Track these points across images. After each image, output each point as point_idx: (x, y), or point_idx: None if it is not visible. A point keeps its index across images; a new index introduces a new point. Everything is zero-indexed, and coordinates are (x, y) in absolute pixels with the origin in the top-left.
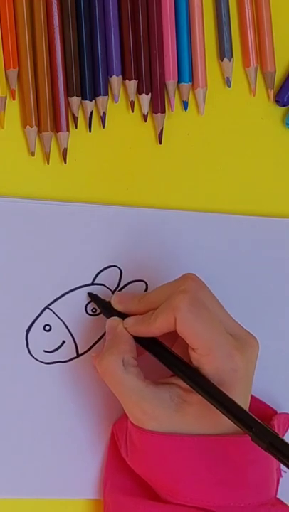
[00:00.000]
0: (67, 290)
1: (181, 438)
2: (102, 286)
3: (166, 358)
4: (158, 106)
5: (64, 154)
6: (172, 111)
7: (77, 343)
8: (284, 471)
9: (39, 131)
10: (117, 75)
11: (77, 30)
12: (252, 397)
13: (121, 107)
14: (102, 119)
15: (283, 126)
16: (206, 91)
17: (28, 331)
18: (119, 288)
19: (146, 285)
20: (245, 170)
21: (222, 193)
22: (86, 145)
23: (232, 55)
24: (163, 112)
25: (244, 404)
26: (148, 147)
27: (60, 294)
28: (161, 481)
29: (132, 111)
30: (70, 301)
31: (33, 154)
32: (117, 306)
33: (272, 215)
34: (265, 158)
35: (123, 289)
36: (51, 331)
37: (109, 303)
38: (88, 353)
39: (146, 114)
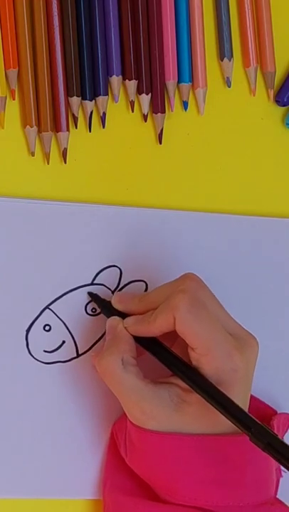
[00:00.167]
0: (67, 290)
1: (180, 437)
2: (102, 286)
3: (166, 357)
4: (158, 106)
5: (64, 154)
6: (172, 111)
7: (77, 343)
8: (284, 471)
9: (39, 131)
10: (117, 75)
11: (77, 30)
12: (252, 397)
13: (121, 107)
14: (102, 119)
15: (283, 126)
16: (206, 91)
17: (28, 331)
18: (119, 288)
19: (146, 285)
20: (245, 170)
21: (222, 193)
22: (86, 145)
23: (232, 55)
24: (163, 111)
25: (243, 404)
26: (148, 147)
27: (60, 294)
28: (160, 481)
29: (132, 111)
30: (70, 301)
31: (33, 154)
32: (117, 305)
33: (272, 215)
34: (265, 158)
35: (123, 289)
36: (51, 331)
37: (109, 302)
38: (88, 352)
39: (146, 114)
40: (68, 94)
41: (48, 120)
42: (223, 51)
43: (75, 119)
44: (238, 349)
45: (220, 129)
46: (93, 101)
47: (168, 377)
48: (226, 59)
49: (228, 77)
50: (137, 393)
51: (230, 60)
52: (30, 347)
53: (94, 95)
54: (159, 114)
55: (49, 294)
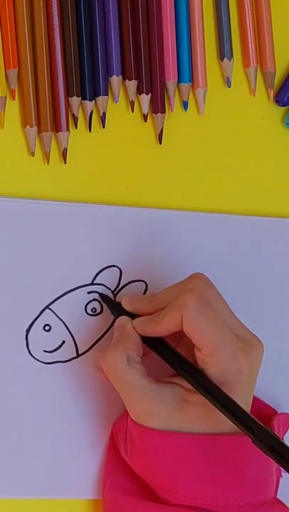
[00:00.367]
0: (67, 290)
1: (181, 436)
2: (102, 286)
3: (172, 358)
4: (158, 106)
5: (64, 154)
6: (172, 111)
7: (77, 343)
8: (284, 472)
9: (39, 131)
10: (117, 75)
11: (77, 30)
12: (252, 397)
13: (121, 107)
14: (102, 119)
15: (283, 126)
16: (206, 91)
17: (28, 331)
18: (118, 288)
19: (146, 285)
20: (245, 170)
21: (222, 193)
22: (86, 145)
23: (232, 55)
24: (163, 112)
25: (246, 405)
26: (148, 147)
27: (60, 294)
28: (160, 480)
29: (132, 111)
30: (70, 301)
31: (33, 154)
32: (127, 306)
33: (272, 215)
34: (265, 158)
35: (123, 289)
36: (51, 330)
37: (119, 304)
38: (88, 352)
39: (146, 114)
40: (68, 94)
41: (48, 120)
42: (223, 51)
43: (75, 119)
44: (243, 351)
45: (220, 129)
46: (93, 101)
47: (172, 378)
48: (225, 59)
49: (228, 77)
50: (139, 390)
51: (230, 60)
52: (30, 347)
53: (94, 95)
54: (159, 114)
55: (49, 294)
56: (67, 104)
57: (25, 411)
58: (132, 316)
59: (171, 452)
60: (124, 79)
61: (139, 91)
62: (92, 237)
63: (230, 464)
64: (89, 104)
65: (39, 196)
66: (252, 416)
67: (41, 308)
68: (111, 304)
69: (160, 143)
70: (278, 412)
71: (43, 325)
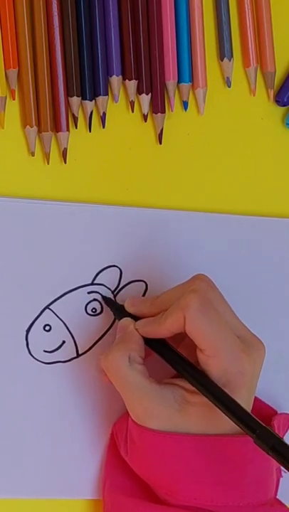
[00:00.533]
0: (67, 290)
1: (181, 437)
2: (102, 286)
3: (174, 359)
4: (158, 106)
5: (64, 154)
6: (172, 111)
7: (77, 343)
8: (284, 471)
9: (39, 131)
10: (117, 75)
11: (77, 30)
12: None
13: (121, 107)
14: (102, 119)
15: (283, 126)
16: (206, 91)
17: (28, 331)
18: (119, 288)
19: (146, 285)
20: (245, 170)
21: (222, 193)
22: (86, 145)
23: (232, 55)
24: (163, 111)
25: (247, 406)
26: (148, 147)
27: (60, 294)
28: (160, 480)
29: (132, 111)
30: (70, 301)
31: (33, 154)
32: (129, 308)
33: (272, 215)
34: (265, 158)
35: (123, 289)
36: (51, 331)
37: (122, 306)
38: (88, 352)
39: (146, 114)
40: (68, 94)
41: (48, 120)
42: (223, 51)
43: (75, 119)
44: (245, 352)
45: (220, 129)
46: (93, 101)
47: (173, 379)
48: (225, 59)
49: (228, 77)
50: (140, 391)
51: (230, 60)
52: (30, 347)
53: (94, 95)
54: (159, 114)
55: (49, 294)
56: (67, 104)
57: (26, 411)
58: (135, 318)
59: (171, 453)
60: (124, 79)
61: (139, 91)
62: (92, 237)
63: (231, 465)
64: (89, 104)
65: (39, 196)
66: (254, 416)
67: (41, 308)
68: (114, 307)
69: (160, 143)
70: (278, 412)
71: (43, 325)
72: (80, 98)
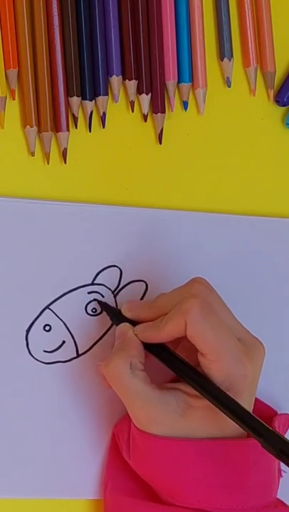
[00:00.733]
0: (67, 290)
1: (185, 442)
2: (102, 286)
3: (175, 364)
4: (158, 106)
5: (64, 154)
6: (172, 111)
7: (77, 343)
8: (284, 471)
9: (39, 131)
10: (117, 75)
11: (77, 30)
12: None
13: (121, 107)
14: (102, 119)
15: (283, 126)
16: (206, 91)
17: (28, 331)
18: (119, 288)
19: (146, 285)
20: (245, 170)
21: (222, 193)
22: (86, 145)
23: (232, 55)
24: (163, 111)
25: (249, 408)
26: (148, 147)
27: (60, 294)
28: (164, 484)
29: (132, 111)
30: (70, 301)
31: (33, 154)
32: (127, 313)
33: (272, 215)
34: (265, 158)
35: (123, 289)
36: (51, 331)
37: (119, 311)
38: (88, 352)
39: (146, 114)
40: (68, 94)
41: (48, 120)
42: (223, 51)
43: (75, 119)
44: (247, 355)
45: (220, 129)
46: (93, 101)
47: (174, 383)
48: (225, 59)
49: (228, 77)
50: (143, 398)
51: (230, 60)
52: (30, 347)
53: (94, 95)
54: (159, 114)
55: (49, 294)
56: (67, 104)
57: (26, 411)
58: (133, 322)
59: (175, 458)
60: (124, 79)
61: (139, 91)
62: (92, 237)
63: (234, 468)
64: (89, 104)
65: (39, 196)
66: (260, 420)
67: (41, 309)
68: (111, 312)
69: (160, 143)
70: (278, 412)
71: (43, 325)
72: (80, 98)
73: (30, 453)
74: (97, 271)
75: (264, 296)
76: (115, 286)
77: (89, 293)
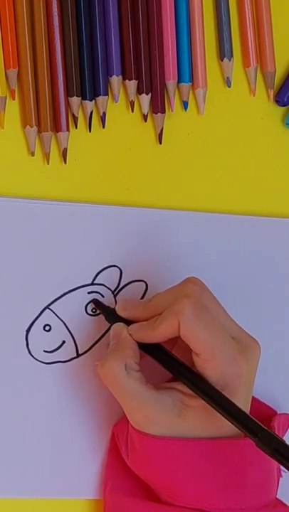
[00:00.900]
0: (67, 290)
1: (182, 442)
2: (102, 286)
3: (171, 364)
4: (158, 106)
5: (64, 154)
6: (172, 111)
7: (77, 343)
8: (284, 471)
9: (39, 131)
10: (117, 75)
11: (77, 30)
12: (252, 397)
13: (121, 107)
14: (102, 119)
15: (283, 126)
16: (206, 91)
17: (28, 331)
18: (119, 288)
19: (146, 285)
20: (245, 170)
21: (222, 193)
22: (86, 145)
23: (232, 55)
24: (163, 112)
25: (246, 407)
26: (148, 147)
27: (60, 294)
28: (162, 484)
29: (132, 111)
30: (70, 301)
31: (33, 154)
32: (121, 312)
33: (272, 215)
34: (265, 158)
35: (123, 289)
36: (51, 331)
37: (113, 310)
38: (88, 352)
39: (146, 114)
40: (68, 94)
41: (48, 120)
42: (223, 51)
43: (75, 119)
44: (242, 353)
45: (220, 129)
46: (93, 101)
47: (170, 383)
48: (225, 59)
49: (228, 77)
50: (139, 398)
51: (230, 60)
52: (30, 347)
53: (94, 95)
54: (159, 114)
55: (49, 294)
56: (67, 104)
57: (26, 411)
58: (127, 321)
59: (172, 458)
60: (124, 79)
61: (139, 91)
62: (92, 237)
63: (232, 467)
64: (89, 104)
65: (39, 196)
66: (255, 419)
67: (41, 309)
68: (105, 311)
69: (160, 143)
70: (278, 412)
71: (43, 325)
72: (80, 98)
73: (30, 453)
74: (97, 271)
75: (264, 296)
76: (115, 286)
77: (89, 293)
